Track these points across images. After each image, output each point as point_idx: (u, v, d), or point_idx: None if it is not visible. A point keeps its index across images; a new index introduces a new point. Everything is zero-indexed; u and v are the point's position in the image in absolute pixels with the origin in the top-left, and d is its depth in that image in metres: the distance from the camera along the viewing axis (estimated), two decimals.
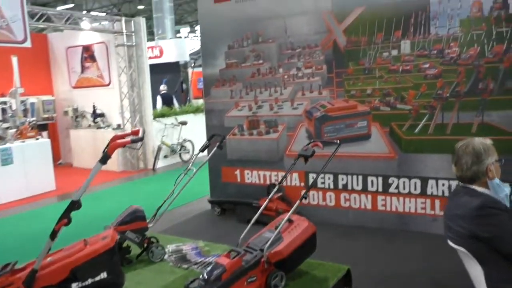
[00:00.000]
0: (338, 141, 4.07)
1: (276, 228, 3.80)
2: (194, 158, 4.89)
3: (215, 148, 4.93)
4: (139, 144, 3.39)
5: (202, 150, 4.99)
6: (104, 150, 3.19)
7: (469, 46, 4.99)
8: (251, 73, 6.49)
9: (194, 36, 35.31)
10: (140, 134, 3.35)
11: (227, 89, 6.73)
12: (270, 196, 4.29)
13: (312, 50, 5.96)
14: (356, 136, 5.70)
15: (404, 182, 5.50)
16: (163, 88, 12.56)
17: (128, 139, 3.26)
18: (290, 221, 3.91)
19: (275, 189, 4.21)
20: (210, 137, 5.18)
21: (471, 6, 4.92)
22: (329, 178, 5.97)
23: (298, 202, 3.84)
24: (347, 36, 5.70)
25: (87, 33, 11.06)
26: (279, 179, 6.32)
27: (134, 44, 10.51)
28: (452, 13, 5.02)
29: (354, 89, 5.72)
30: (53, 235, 3.06)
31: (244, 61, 6.55)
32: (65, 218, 3.02)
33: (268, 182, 6.46)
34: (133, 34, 10.48)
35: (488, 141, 2.62)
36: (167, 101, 12.13)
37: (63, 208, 3.11)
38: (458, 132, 5.11)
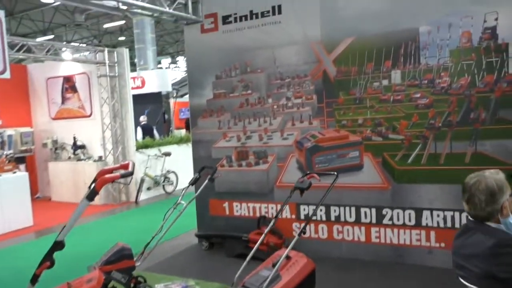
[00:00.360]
0: (336, 173, 3.93)
1: (273, 265, 3.60)
2: (184, 191, 4.70)
3: (206, 181, 4.75)
4: (129, 178, 3.19)
5: (192, 183, 4.81)
6: (90, 185, 2.98)
7: (460, 76, 5.00)
8: (240, 103, 6.41)
9: (175, 67, 35.43)
10: (130, 168, 3.16)
11: (215, 119, 6.61)
12: (266, 231, 4.09)
13: (301, 80, 5.92)
14: (348, 167, 5.61)
15: (398, 213, 5.40)
16: (143, 119, 12.37)
17: (117, 173, 3.06)
18: (288, 257, 3.71)
19: (272, 224, 4.03)
20: (200, 170, 5.00)
21: (460, 37, 4.96)
22: (321, 210, 5.82)
23: (296, 237, 3.67)
24: (337, 66, 5.67)
25: (68, 63, 10.88)
26: (269, 211, 6.15)
27: (117, 74, 10.36)
28: (442, 43, 5.04)
29: (345, 119, 5.67)
30: (34, 279, 2.82)
31: (232, 91, 6.46)
32: (47, 260, 2.78)
33: (258, 214, 6.28)
34: (116, 64, 10.35)
35: (500, 174, 2.50)
36: (147, 132, 11.93)
37: (40, 245, 2.88)
38: (451, 162, 5.08)
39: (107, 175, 3.08)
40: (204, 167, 5.03)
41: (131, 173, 3.13)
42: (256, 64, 6.25)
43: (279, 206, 6.11)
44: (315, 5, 5.70)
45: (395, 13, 5.25)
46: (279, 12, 5.95)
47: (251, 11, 6.18)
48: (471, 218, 2.51)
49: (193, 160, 6.86)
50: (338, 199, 5.68)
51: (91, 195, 2.93)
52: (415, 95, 5.24)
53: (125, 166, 3.31)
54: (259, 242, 3.93)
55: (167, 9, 6.22)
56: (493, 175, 2.51)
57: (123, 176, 3.08)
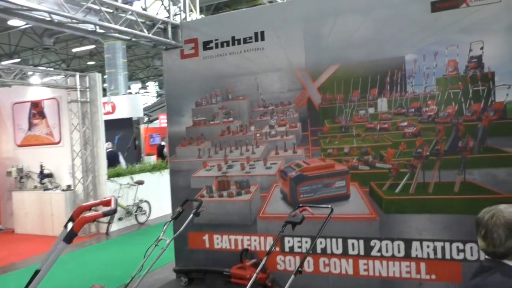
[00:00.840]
0: (330, 206, 3.76)
1: None
2: (166, 226, 4.41)
3: (191, 215, 4.48)
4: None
5: (175, 217, 4.52)
6: (66, 224, 2.66)
7: (447, 104, 4.99)
8: (221, 131, 6.24)
9: (145, 92, 35.02)
10: (113, 205, 2.86)
11: (195, 148, 6.39)
12: (258, 270, 3.82)
13: (285, 107, 5.80)
14: (334, 197, 5.46)
15: (386, 245, 5.26)
16: (108, 146, 11.82)
17: (99, 212, 2.75)
18: None
19: (265, 260, 3.76)
20: (183, 203, 4.72)
21: (446, 65, 4.95)
22: (306, 242, 5.63)
23: (292, 277, 3.42)
24: (322, 94, 5.59)
25: (36, 88, 10.44)
26: (252, 244, 5.93)
27: (88, 100, 9.99)
28: (428, 71, 5.03)
29: (330, 147, 5.55)
30: None
31: (213, 118, 6.29)
32: None
33: (240, 247, 6.01)
34: (88, 89, 9.98)
35: None
36: (112, 160, 11.34)
37: (3, 284, 2.51)
38: (440, 191, 5.02)
39: (88, 214, 2.77)
40: (187, 199, 4.76)
41: (115, 211, 2.83)
42: (238, 91, 6.10)
43: (262, 238, 5.86)
44: (299, 32, 5.62)
45: (380, 41, 5.22)
46: (262, 39, 5.84)
47: (233, 37, 6.05)
48: (487, 256, 2.33)
49: (171, 190, 6.57)
50: (324, 230, 5.40)
51: (69, 237, 2.61)
52: (402, 124, 5.19)
53: (107, 203, 3.00)
54: (251, 280, 3.65)
55: (146, 34, 5.98)
56: (509, 209, 2.36)
57: (106, 214, 2.77)
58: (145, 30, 5.99)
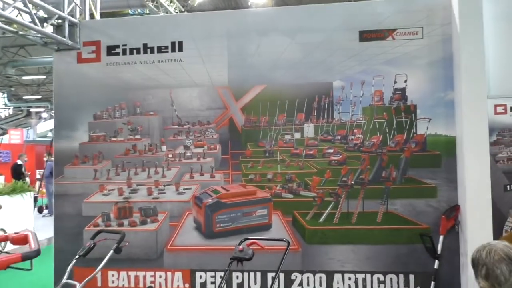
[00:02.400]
0: (287, 240, 3.42)
1: None
2: (70, 266, 3.55)
3: (110, 252, 3.68)
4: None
5: (85, 253, 3.67)
6: None
7: (372, 134, 5.07)
8: (125, 150, 5.53)
9: None
10: (33, 245, 2.05)
11: (89, 167, 5.53)
12: None
13: (204, 127, 5.37)
14: (255, 226, 5.15)
15: (308, 278, 5.06)
16: None
17: (16, 254, 1.95)
18: None
19: None
20: (95, 235, 3.90)
21: (373, 95, 5.05)
22: (221, 277, 5.13)
23: None
24: (245, 115, 5.31)
25: None
26: (157, 281, 5.29)
27: None
28: (355, 100, 5.08)
29: (253, 172, 5.26)
30: None
31: (115, 134, 5.56)
32: None
33: (142, 285, 5.30)
34: None
35: (504, 241, 2.29)
36: None
37: None
38: (363, 221, 5.03)
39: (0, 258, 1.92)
40: (100, 231, 3.94)
41: (38, 253, 2.03)
42: (148, 105, 5.47)
43: (169, 274, 5.28)
44: (222, 47, 5.30)
45: (308, 64, 5.14)
46: (180, 50, 5.36)
47: (145, 44, 5.45)
48: None
49: (55, 219, 5.58)
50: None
51: None
52: (328, 151, 5.15)
53: (21, 240, 2.16)
54: None
55: (37, 27, 5.00)
56: (499, 244, 2.29)
57: (25, 258, 1.96)
58: (37, 21, 4.99)
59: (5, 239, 2.29)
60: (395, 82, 4.97)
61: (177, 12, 14.70)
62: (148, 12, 14.83)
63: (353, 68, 5.06)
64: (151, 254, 5.33)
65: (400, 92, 4.97)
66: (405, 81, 4.94)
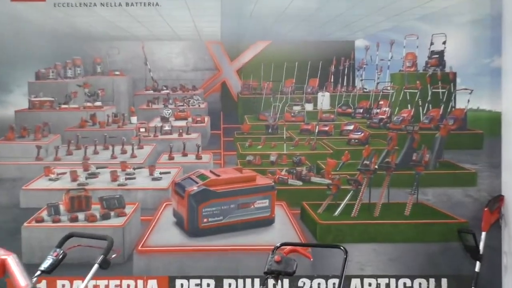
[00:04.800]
0: (343, 248, 2.96)
1: None
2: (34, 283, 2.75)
3: (95, 268, 2.89)
4: None
5: (50, 269, 2.84)
6: None
7: (402, 107, 4.74)
8: (80, 121, 4.95)
9: None
10: None
11: (30, 143, 4.91)
12: None
13: (188, 93, 4.93)
14: (253, 221, 4.63)
15: (319, 284, 4.56)
16: None
17: None
18: None
19: None
20: (62, 241, 3.04)
21: (404, 59, 4.66)
22: (208, 285, 4.60)
23: None
24: (243, 79, 4.88)
25: None
26: None
27: None
28: (382, 64, 4.75)
29: (251, 153, 4.85)
30: None
31: (66, 100, 4.96)
32: None
33: None
34: None
35: None
36: None
37: None
38: (388, 214, 4.59)
39: None
40: (71, 234, 3.09)
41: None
42: (113, 63, 4.95)
43: (140, 283, 4.65)
44: None
45: (324, 18, 4.67)
46: None
47: None
48: None
49: None
50: (234, 267, 4.63)
51: None
52: (347, 127, 4.83)
53: None
54: None
55: None
56: None
57: None
58: None
59: None
60: (432, 43, 4.57)
61: None
62: None
63: (380, 24, 4.75)
64: (116, 257, 4.48)
65: (437, 56, 4.59)
66: (444, 43, 4.50)
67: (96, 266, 2.86)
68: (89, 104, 4.86)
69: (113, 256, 2.92)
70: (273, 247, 4.32)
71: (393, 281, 4.51)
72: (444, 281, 4.46)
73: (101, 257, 2.86)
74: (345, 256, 2.95)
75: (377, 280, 4.53)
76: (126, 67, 4.88)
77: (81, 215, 4.64)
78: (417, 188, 4.52)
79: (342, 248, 2.91)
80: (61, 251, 2.84)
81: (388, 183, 4.55)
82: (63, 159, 4.86)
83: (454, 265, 4.46)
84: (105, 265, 2.86)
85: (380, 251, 4.57)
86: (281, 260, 2.68)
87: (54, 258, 2.82)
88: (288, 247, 2.86)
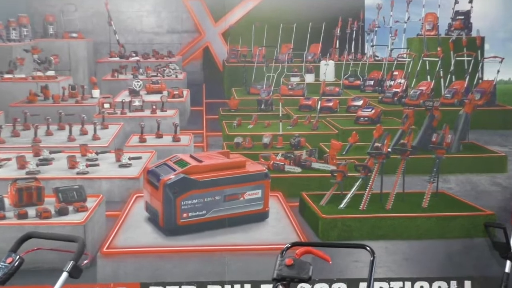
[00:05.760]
0: (369, 248, 2.56)
1: None
2: None
3: (64, 276, 2.47)
4: None
5: (4, 278, 2.40)
6: None
7: (420, 79, 4.40)
8: (29, 95, 4.49)
9: None
10: None
11: None
12: None
13: (162, 61, 4.50)
14: (242, 216, 4.14)
15: None
16: None
17: None
18: None
19: None
20: (18, 244, 2.54)
21: (423, 21, 4.26)
22: None
23: None
24: (229, 44, 4.53)
25: None
26: None
27: None
28: (397, 27, 4.32)
29: (240, 134, 4.49)
30: None
31: (10, 68, 4.50)
32: None
33: None
34: None
35: None
36: None
37: None
38: (403, 206, 4.19)
39: None
40: (29, 235, 2.61)
41: None
42: (69, 23, 4.52)
43: None
44: None
45: None
46: None
47: None
48: None
49: None
50: (220, 272, 4.22)
51: None
52: (355, 103, 4.50)
53: None
54: None
55: None
56: None
57: None
58: None
59: None
60: (456, 2, 4.29)
61: None
62: None
63: None
64: (87, 263, 4.03)
65: (462, 17, 4.31)
66: (470, 2, 4.14)
67: (65, 274, 2.42)
68: (39, 73, 4.38)
69: (85, 262, 2.42)
70: (265, 246, 3.95)
71: (408, 284, 4.21)
72: (467, 284, 4.24)
73: (70, 264, 2.39)
74: (371, 258, 2.55)
75: (389, 284, 4.22)
76: (86, 28, 4.49)
77: (31, 211, 4.09)
78: (437, 175, 4.18)
79: (368, 248, 2.57)
80: (17, 257, 2.39)
81: (403, 169, 4.21)
82: (7, 142, 4.42)
83: (480, 265, 4.17)
84: (76, 274, 2.43)
85: (393, 249, 4.29)
86: (293, 263, 2.29)
87: (8, 265, 2.38)
88: (301, 248, 2.46)
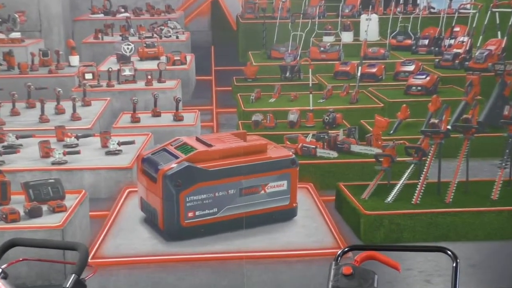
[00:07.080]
0: (451, 251, 2.20)
1: None
2: None
3: None
4: None
5: None
6: None
7: (488, 37, 3.89)
8: None
9: None
10: None
11: None
12: None
13: (159, 18, 3.89)
14: (264, 214, 3.51)
15: None
16: None
17: None
18: None
19: None
20: (1, 251, 1.65)
21: None
22: None
23: None
24: None
25: None
26: None
27: None
28: None
29: (260, 110, 4.07)
30: None
31: None
32: None
33: None
34: None
35: None
36: None
37: None
38: (467, 199, 3.67)
39: None
40: (13, 243, 1.75)
41: None
42: None
43: None
44: None
45: None
46: None
47: None
48: None
49: None
50: (237, 286, 3.64)
51: None
52: (405, 68, 4.34)
53: None
54: None
55: None
56: None
57: None
58: None
59: None
60: None
61: None
62: None
63: None
64: (53, 274, 3.56)
65: None
66: None
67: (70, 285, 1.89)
68: (1, 35, 3.65)
69: (89, 276, 1.86)
70: (296, 253, 3.40)
71: None
72: None
73: (72, 278, 1.91)
74: (454, 265, 2.10)
75: None
76: None
77: None
78: (509, 158, 3.64)
79: (449, 252, 2.15)
80: (2, 271, 2.01)
81: (466, 151, 3.69)
82: None
83: None
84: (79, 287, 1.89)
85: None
86: (353, 272, 1.88)
87: None
88: (362, 253, 2.03)
